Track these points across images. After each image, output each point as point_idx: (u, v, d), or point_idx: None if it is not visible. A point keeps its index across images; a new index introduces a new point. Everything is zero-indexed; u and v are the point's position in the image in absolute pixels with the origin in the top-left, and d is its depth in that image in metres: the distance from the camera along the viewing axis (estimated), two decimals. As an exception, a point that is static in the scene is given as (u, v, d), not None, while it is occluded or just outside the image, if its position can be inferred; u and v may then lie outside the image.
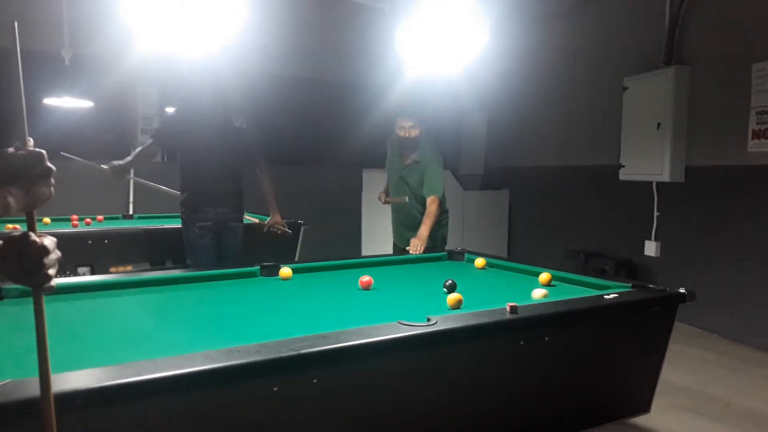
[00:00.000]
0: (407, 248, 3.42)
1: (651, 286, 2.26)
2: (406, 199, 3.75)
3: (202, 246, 3.65)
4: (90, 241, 3.87)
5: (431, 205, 3.58)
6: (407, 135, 3.60)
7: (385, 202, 3.96)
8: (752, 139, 4.31)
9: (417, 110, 3.65)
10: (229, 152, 3.65)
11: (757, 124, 4.28)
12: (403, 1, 3.28)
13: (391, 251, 3.94)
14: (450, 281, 2.19)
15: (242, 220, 3.85)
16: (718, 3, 4.62)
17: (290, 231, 4.02)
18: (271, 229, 3.91)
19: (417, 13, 2.86)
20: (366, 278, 2.36)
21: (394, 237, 3.99)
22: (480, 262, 2.98)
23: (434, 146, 3.78)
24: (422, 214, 3.62)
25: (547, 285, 2.46)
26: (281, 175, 6.57)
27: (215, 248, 3.68)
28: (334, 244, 6.57)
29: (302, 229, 4.67)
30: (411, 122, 3.57)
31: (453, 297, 2.01)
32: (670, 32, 4.89)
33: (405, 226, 3.82)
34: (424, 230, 3.46)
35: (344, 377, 1.49)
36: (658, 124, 4.87)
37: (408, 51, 3.03)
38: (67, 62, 4.22)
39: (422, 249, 3.34)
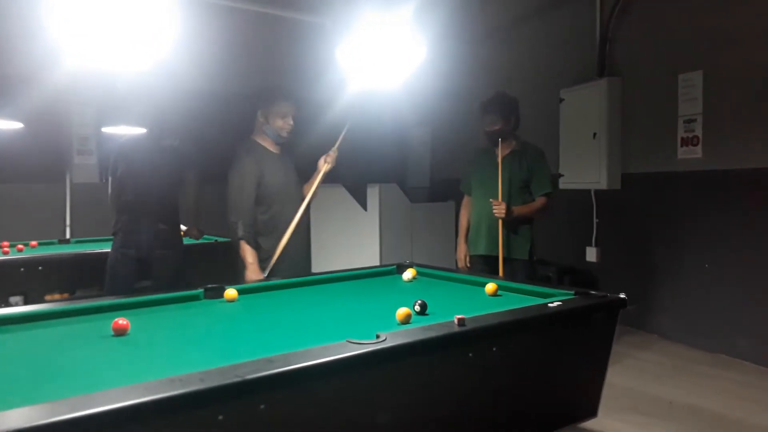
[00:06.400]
0: (494, 210, 3.61)
1: (593, 292, 2.32)
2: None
3: (117, 272, 3.65)
4: (23, 269, 3.70)
5: (540, 202, 3.78)
6: (494, 128, 3.71)
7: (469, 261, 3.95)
8: (681, 146, 4.52)
9: (500, 105, 3.75)
10: (159, 175, 3.68)
11: (685, 131, 4.48)
12: (344, 16, 3.29)
13: (341, 267, 3.89)
14: (420, 301, 2.15)
15: (176, 246, 3.82)
16: (645, 18, 4.85)
17: (203, 233, 4.24)
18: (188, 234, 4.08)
19: (357, 29, 2.88)
20: (121, 321, 1.95)
21: (474, 248, 3.89)
22: (409, 275, 2.98)
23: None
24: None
25: (494, 295, 2.49)
26: (216, 192, 6.48)
27: (134, 275, 3.66)
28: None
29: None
30: (495, 116, 3.70)
31: (402, 312, 2.00)
32: (602, 46, 5.10)
33: (492, 232, 3.76)
34: (520, 208, 3.70)
35: (293, 401, 1.46)
36: (594, 134, 5.04)
37: (349, 65, 3.04)
38: (-9, 83, 4.03)
39: (504, 213, 3.57)
